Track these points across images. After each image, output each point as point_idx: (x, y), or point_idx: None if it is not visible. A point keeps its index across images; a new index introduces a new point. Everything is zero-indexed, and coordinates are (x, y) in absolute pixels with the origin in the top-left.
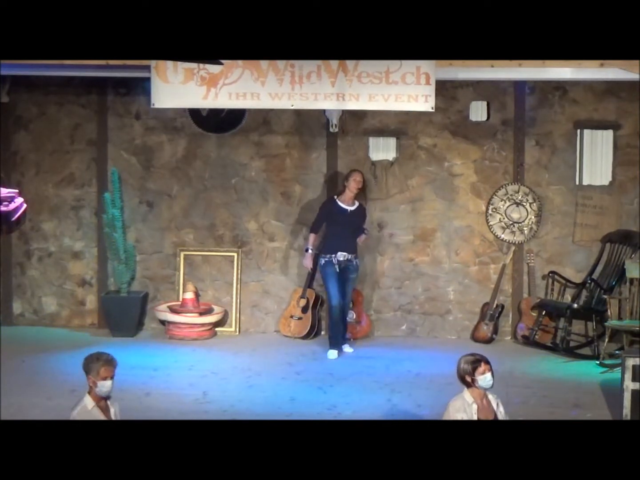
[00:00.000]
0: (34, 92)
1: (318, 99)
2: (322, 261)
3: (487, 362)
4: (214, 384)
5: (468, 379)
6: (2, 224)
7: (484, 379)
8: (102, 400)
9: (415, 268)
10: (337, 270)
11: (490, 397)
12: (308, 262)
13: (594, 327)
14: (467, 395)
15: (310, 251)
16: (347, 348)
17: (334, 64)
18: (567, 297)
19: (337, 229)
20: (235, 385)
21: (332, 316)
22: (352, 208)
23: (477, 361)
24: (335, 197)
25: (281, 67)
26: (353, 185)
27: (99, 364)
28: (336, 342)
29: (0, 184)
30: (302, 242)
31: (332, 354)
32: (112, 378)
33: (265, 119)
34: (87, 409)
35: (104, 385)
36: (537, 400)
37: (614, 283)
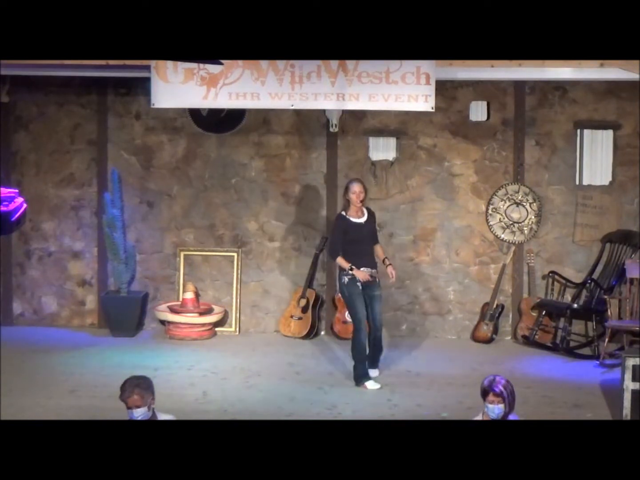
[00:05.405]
0: (34, 92)
1: (318, 99)
2: (345, 280)
3: (498, 394)
4: (214, 384)
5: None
6: (2, 224)
7: (491, 408)
8: None
9: (415, 268)
10: (361, 288)
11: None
12: (365, 275)
13: (594, 327)
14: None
15: (354, 267)
16: (373, 373)
17: (334, 64)
18: (567, 297)
19: (356, 246)
20: (235, 385)
21: (358, 343)
22: (364, 219)
23: (485, 392)
24: (344, 213)
25: (281, 67)
26: (355, 198)
27: (125, 394)
28: (364, 372)
29: (0, 184)
30: (302, 242)
31: (370, 384)
32: (142, 407)
33: (265, 119)
34: None
35: (132, 414)
36: (537, 400)
37: (614, 283)
